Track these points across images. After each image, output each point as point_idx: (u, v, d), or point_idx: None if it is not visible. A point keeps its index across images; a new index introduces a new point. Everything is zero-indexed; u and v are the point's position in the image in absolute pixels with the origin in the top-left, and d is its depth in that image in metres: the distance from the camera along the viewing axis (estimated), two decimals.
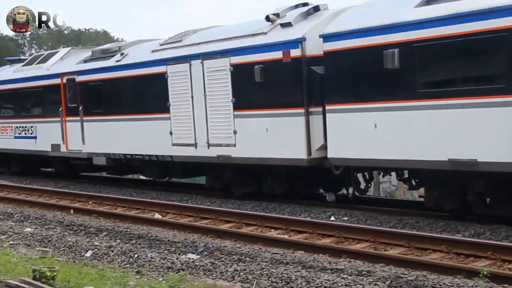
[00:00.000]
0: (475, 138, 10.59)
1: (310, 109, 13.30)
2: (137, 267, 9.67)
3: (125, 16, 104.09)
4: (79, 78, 19.30)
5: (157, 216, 14.20)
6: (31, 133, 21.65)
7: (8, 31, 66.50)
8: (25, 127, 21.96)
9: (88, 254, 10.70)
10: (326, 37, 12.77)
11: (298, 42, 13.34)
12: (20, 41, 69.08)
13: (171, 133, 16.28)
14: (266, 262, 9.50)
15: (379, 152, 12.01)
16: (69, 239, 11.79)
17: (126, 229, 12.55)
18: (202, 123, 15.42)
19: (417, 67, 11.36)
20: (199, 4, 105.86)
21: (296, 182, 14.69)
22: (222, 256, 10.06)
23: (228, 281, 8.74)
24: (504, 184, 10.92)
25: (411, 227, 11.54)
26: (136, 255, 10.27)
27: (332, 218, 12.74)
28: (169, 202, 15.47)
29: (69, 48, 23.34)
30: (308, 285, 8.21)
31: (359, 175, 13.61)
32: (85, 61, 19.56)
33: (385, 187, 21.88)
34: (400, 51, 11.40)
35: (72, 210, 15.41)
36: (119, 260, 10.20)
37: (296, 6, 14.54)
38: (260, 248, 10.50)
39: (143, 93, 17.29)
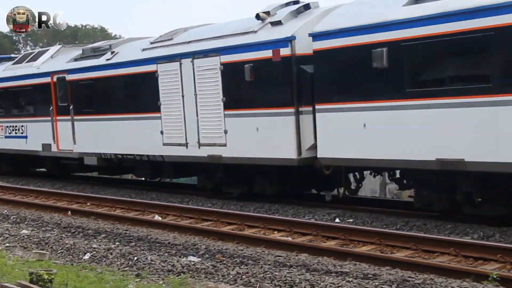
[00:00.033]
0: (462, 137, 10.54)
1: (300, 109, 13.21)
2: (137, 270, 9.53)
3: (124, 12, 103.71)
4: (70, 77, 19.17)
5: (157, 217, 14.05)
6: (22, 133, 21.50)
7: (2, 28, 66.26)
8: (16, 126, 21.81)
9: (87, 256, 10.56)
10: (316, 36, 12.71)
11: (288, 41, 13.26)
12: (14, 37, 68.63)
13: (162, 132, 16.19)
14: (269, 265, 9.35)
15: (368, 152, 11.94)
16: (66, 242, 11.63)
17: (125, 231, 12.38)
18: (193, 123, 15.32)
19: (405, 66, 11.30)
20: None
21: (287, 182, 14.61)
22: (224, 258, 9.90)
23: (230, 285, 8.63)
24: (492, 184, 10.88)
25: (418, 229, 11.36)
26: (135, 258, 10.12)
27: (337, 220, 12.58)
28: (170, 204, 15.27)
29: (60, 46, 23.13)
30: None
31: (350, 175, 13.55)
32: (75, 60, 19.40)
33: (391, 188, 21.66)
34: (389, 50, 11.34)
35: (69, 212, 15.26)
36: (118, 263, 10.06)
37: (287, 4, 14.39)
38: (263, 251, 10.36)
39: (134, 92, 17.17)
